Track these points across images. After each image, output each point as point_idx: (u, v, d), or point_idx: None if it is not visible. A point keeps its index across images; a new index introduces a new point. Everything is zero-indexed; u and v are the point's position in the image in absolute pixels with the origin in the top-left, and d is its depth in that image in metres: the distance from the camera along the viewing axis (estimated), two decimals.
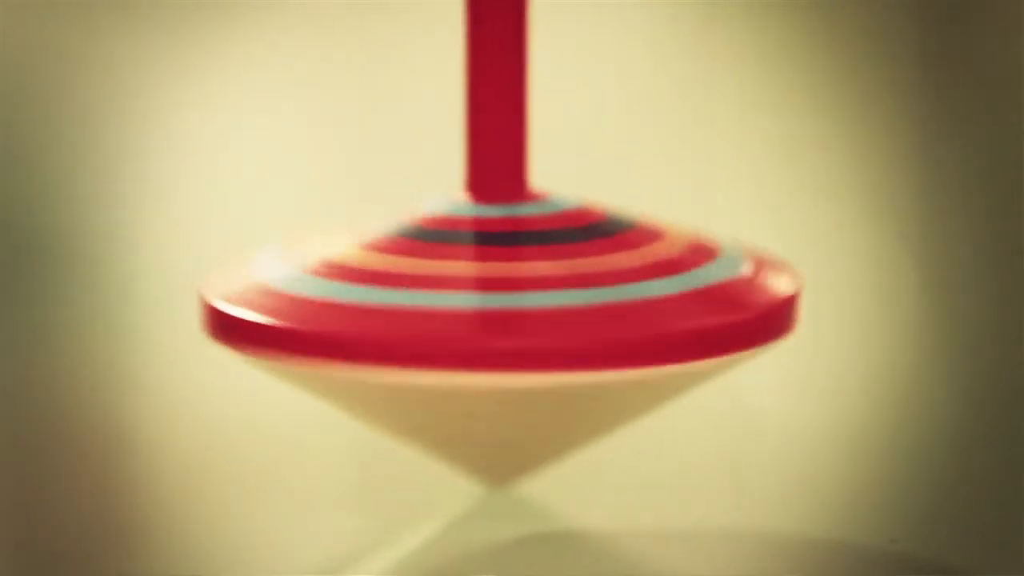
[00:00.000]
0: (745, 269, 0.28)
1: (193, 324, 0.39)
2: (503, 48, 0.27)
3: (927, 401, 0.36)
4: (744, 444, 0.33)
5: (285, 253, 0.28)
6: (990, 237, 0.46)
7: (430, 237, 0.27)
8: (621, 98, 0.52)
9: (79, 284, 0.43)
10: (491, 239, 0.27)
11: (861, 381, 0.36)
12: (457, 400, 0.26)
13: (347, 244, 0.27)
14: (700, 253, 0.28)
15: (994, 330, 0.40)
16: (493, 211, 0.28)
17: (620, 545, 0.29)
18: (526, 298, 0.25)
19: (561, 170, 0.31)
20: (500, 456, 0.29)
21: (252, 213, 0.48)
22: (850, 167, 0.51)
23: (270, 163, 0.52)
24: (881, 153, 0.52)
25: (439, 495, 0.30)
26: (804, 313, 0.28)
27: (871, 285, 0.42)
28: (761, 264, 0.28)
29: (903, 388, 0.37)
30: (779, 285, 0.27)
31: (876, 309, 0.40)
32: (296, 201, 0.49)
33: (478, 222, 0.27)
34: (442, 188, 0.29)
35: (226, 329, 0.26)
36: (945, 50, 0.56)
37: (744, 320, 0.26)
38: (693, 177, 0.51)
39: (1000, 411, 0.35)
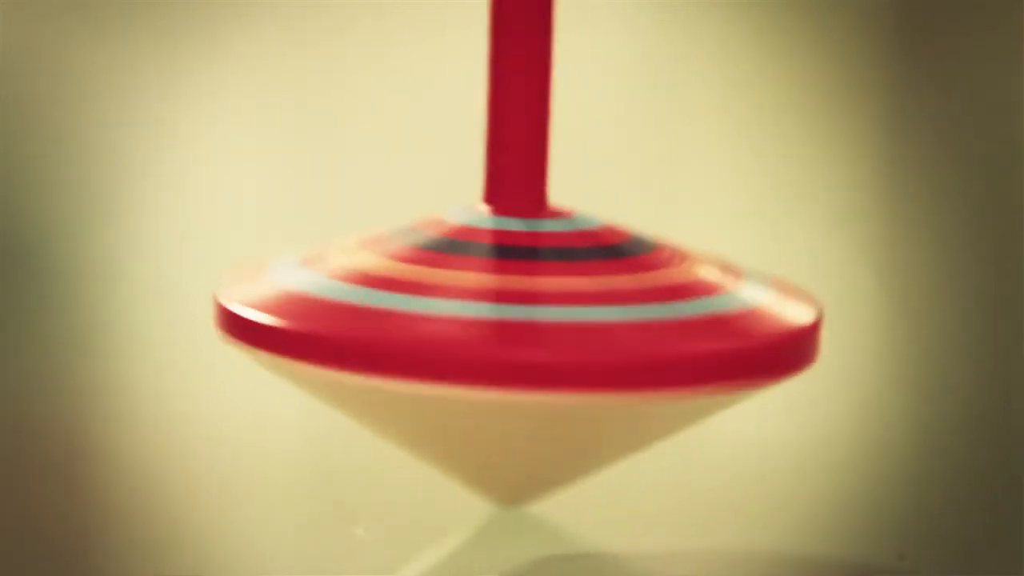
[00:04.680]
0: (766, 298, 0.27)
1: (184, 329, 0.39)
2: (527, 61, 0.27)
3: (893, 412, 0.36)
4: (748, 466, 0.33)
5: (303, 258, 0.28)
6: (956, 245, 0.47)
7: (450, 248, 0.27)
8: (586, 103, 0.52)
9: (70, 291, 0.43)
10: (511, 252, 0.27)
11: (827, 393, 0.36)
12: (467, 411, 0.25)
13: (366, 252, 0.27)
14: (722, 279, 0.27)
15: (956, 337, 0.41)
16: (514, 224, 0.27)
17: (629, 566, 0.29)
18: (545, 311, 0.25)
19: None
20: (510, 475, 0.28)
21: (247, 220, 0.48)
22: (814, 175, 0.52)
23: (266, 170, 0.52)
24: (846, 162, 0.52)
25: (449, 515, 0.30)
26: None
27: (832, 294, 0.42)
28: (784, 294, 0.28)
29: (871, 400, 0.37)
30: (798, 316, 0.27)
31: (838, 320, 0.40)
32: (291, 209, 0.49)
33: (499, 234, 0.27)
34: (452, 198, 0.29)
35: (238, 329, 0.26)
36: (922, 53, 0.56)
37: (757, 351, 0.26)
38: (656, 183, 0.51)
39: (970, 418, 0.36)
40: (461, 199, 0.29)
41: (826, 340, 0.28)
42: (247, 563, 0.28)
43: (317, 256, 0.28)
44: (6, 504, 0.30)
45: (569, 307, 0.25)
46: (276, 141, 0.53)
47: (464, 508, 0.30)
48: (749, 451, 0.33)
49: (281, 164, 0.52)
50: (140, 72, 0.54)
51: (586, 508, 0.30)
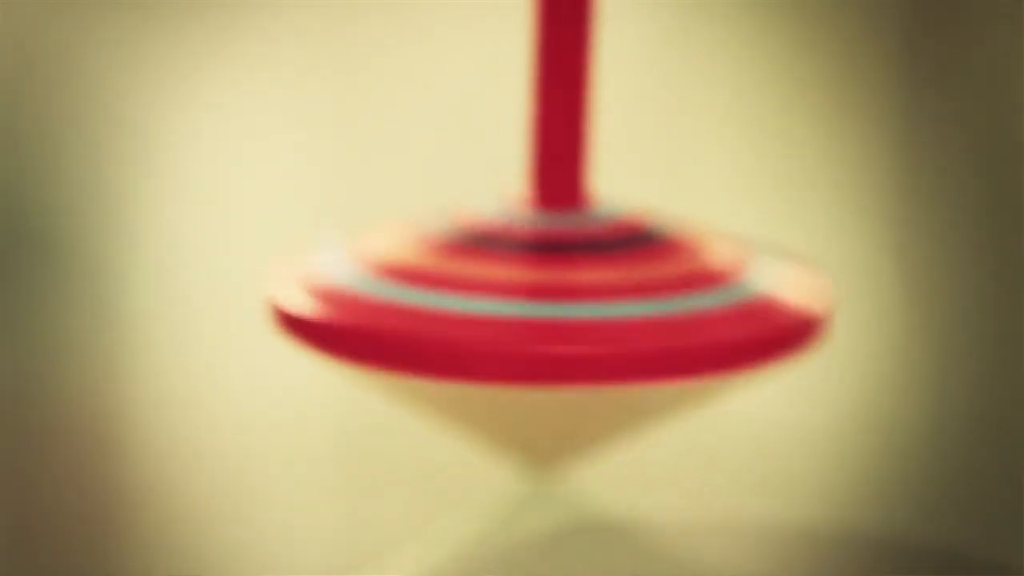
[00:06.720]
0: (781, 279, 0.29)
1: (188, 329, 0.39)
2: (571, 62, 0.28)
3: (911, 398, 0.37)
4: (762, 444, 0.34)
5: (346, 251, 0.29)
6: (971, 237, 0.47)
7: (491, 243, 0.28)
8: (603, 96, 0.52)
9: (74, 282, 0.43)
10: (547, 247, 0.28)
11: (847, 380, 0.37)
12: (505, 401, 0.26)
13: (407, 245, 0.28)
14: (741, 262, 0.29)
15: (973, 328, 0.41)
16: (551, 219, 0.28)
17: (649, 537, 0.29)
18: (577, 309, 0.26)
19: None
20: (542, 446, 0.29)
21: (253, 212, 0.48)
22: (829, 168, 0.52)
23: (274, 162, 0.52)
24: (860, 155, 0.52)
25: (478, 487, 0.30)
26: None
27: (846, 279, 0.42)
28: (796, 271, 0.29)
29: (888, 387, 0.37)
30: (813, 295, 0.28)
31: (857, 310, 0.40)
32: (298, 201, 0.49)
33: (537, 230, 0.28)
34: (493, 192, 0.30)
35: (289, 325, 0.27)
36: (927, 51, 0.56)
37: (779, 332, 0.27)
38: (669, 178, 0.51)
39: (982, 403, 0.36)
40: (482, 186, 0.29)
41: (839, 324, 0.29)
42: (258, 563, 0.29)
43: (364, 253, 0.29)
44: (12, 504, 0.31)
45: (600, 303, 0.26)
46: (287, 135, 0.53)
47: (487, 481, 0.30)
48: (763, 430, 0.34)
49: (293, 158, 0.52)
50: (148, 66, 0.54)
51: (609, 482, 0.31)
